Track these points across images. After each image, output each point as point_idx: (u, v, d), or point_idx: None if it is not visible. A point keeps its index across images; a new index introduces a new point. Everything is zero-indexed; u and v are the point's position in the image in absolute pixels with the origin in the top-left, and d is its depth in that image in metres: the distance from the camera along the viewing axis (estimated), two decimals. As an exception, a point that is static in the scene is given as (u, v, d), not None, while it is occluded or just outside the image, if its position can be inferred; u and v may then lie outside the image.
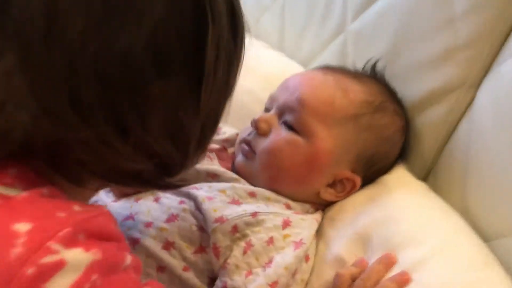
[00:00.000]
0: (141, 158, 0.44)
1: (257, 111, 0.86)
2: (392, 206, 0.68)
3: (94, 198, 0.70)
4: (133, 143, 0.42)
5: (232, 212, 0.64)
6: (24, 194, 0.41)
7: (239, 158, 0.74)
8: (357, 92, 0.73)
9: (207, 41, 0.43)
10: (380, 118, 0.73)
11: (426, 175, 0.79)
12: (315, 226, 0.68)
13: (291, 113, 0.71)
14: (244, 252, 0.62)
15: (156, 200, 0.68)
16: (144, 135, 0.43)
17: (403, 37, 0.81)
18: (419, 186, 0.74)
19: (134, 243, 0.62)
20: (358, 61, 0.88)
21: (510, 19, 0.69)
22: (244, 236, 0.63)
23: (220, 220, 0.63)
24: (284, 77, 0.82)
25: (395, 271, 0.60)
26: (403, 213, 0.66)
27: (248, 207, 0.65)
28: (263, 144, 0.71)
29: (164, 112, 0.43)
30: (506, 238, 0.63)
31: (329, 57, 0.99)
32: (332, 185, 0.72)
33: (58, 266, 0.38)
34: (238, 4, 0.47)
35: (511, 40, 0.69)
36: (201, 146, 0.49)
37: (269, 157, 0.70)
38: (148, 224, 0.64)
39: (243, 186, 0.69)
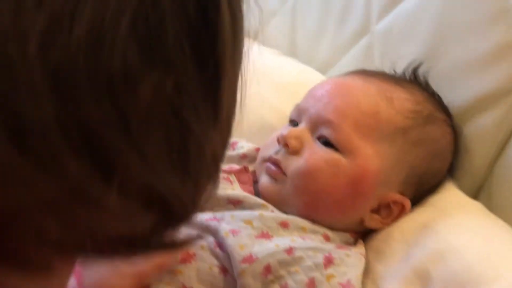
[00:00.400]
0: (134, 208, 0.27)
1: (275, 123, 0.80)
2: (449, 234, 0.60)
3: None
4: (119, 186, 0.25)
5: (262, 249, 0.55)
6: None
7: (265, 179, 0.64)
8: (403, 100, 0.65)
9: (221, 9, 0.27)
10: (431, 130, 0.66)
11: (477, 193, 0.71)
12: (362, 264, 0.59)
13: (328, 127, 0.62)
14: None
15: (167, 235, 0.57)
16: (137, 168, 0.26)
17: (444, 34, 0.73)
18: (476, 207, 0.66)
19: (144, 291, 0.54)
20: (388, 65, 0.79)
21: None
22: (279, 278, 0.55)
23: (249, 259, 0.54)
24: (302, 85, 0.75)
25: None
26: (464, 242, 0.59)
27: (281, 241, 0.57)
28: (296, 164, 0.62)
29: (166, 124, 0.27)
30: None
31: (351, 61, 0.90)
32: (376, 210, 0.63)
33: None
34: None
35: None
36: (215, 169, 0.32)
37: (305, 179, 0.61)
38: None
39: (272, 214, 0.60)
